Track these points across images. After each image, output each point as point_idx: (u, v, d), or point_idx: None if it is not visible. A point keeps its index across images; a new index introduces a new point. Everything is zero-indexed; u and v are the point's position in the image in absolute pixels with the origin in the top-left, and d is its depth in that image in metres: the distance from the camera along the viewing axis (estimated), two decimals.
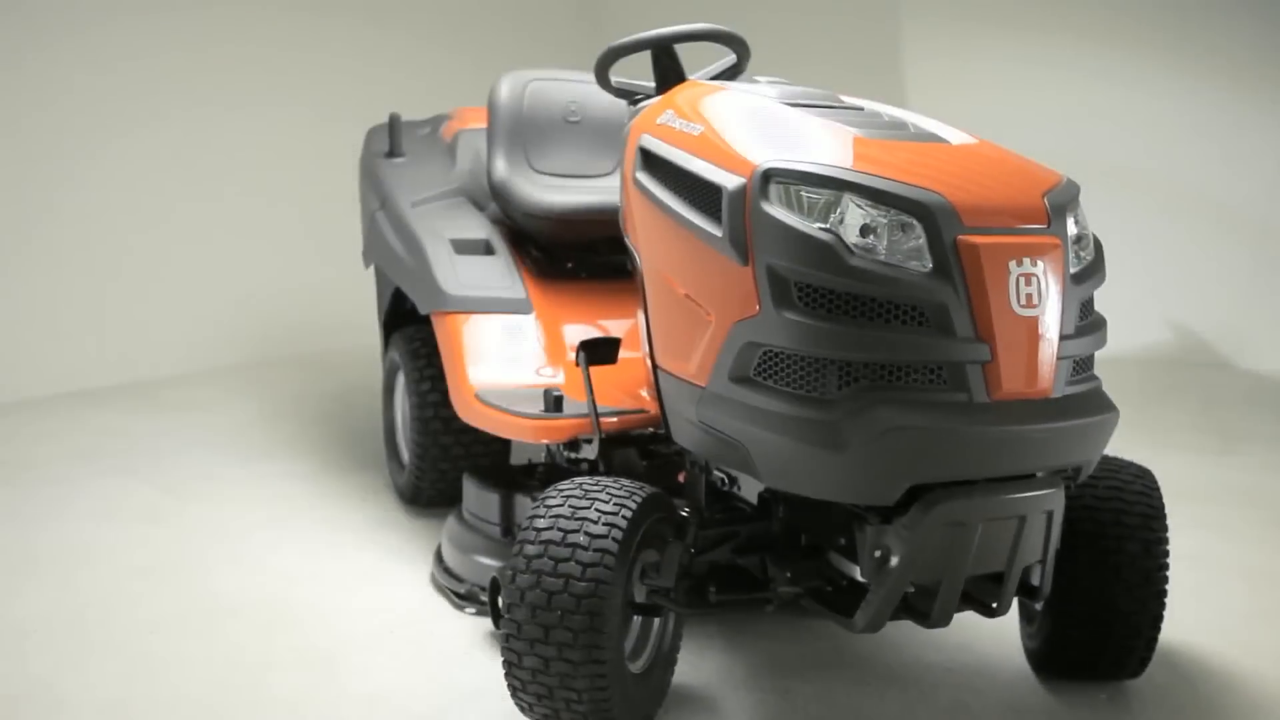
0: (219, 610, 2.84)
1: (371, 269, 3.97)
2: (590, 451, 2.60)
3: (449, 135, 3.85)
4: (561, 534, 2.06)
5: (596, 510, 2.09)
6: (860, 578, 2.09)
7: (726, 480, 2.44)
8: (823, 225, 1.94)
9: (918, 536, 1.93)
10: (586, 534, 2.05)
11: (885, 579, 1.98)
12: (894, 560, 1.97)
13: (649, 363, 2.42)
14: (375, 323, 4.08)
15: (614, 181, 3.50)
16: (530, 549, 2.07)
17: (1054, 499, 2.02)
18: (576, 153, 3.53)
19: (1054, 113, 6.58)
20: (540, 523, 2.10)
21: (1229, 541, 3.45)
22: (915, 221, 1.92)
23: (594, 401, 2.54)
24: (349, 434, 4.45)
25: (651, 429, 2.69)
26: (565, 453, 2.73)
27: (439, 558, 3.08)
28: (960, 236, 1.91)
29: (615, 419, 2.62)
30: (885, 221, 1.93)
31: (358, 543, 3.34)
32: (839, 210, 1.94)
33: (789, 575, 2.24)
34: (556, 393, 2.69)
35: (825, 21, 7.17)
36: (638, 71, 2.85)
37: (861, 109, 2.40)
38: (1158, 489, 2.42)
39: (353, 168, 4.08)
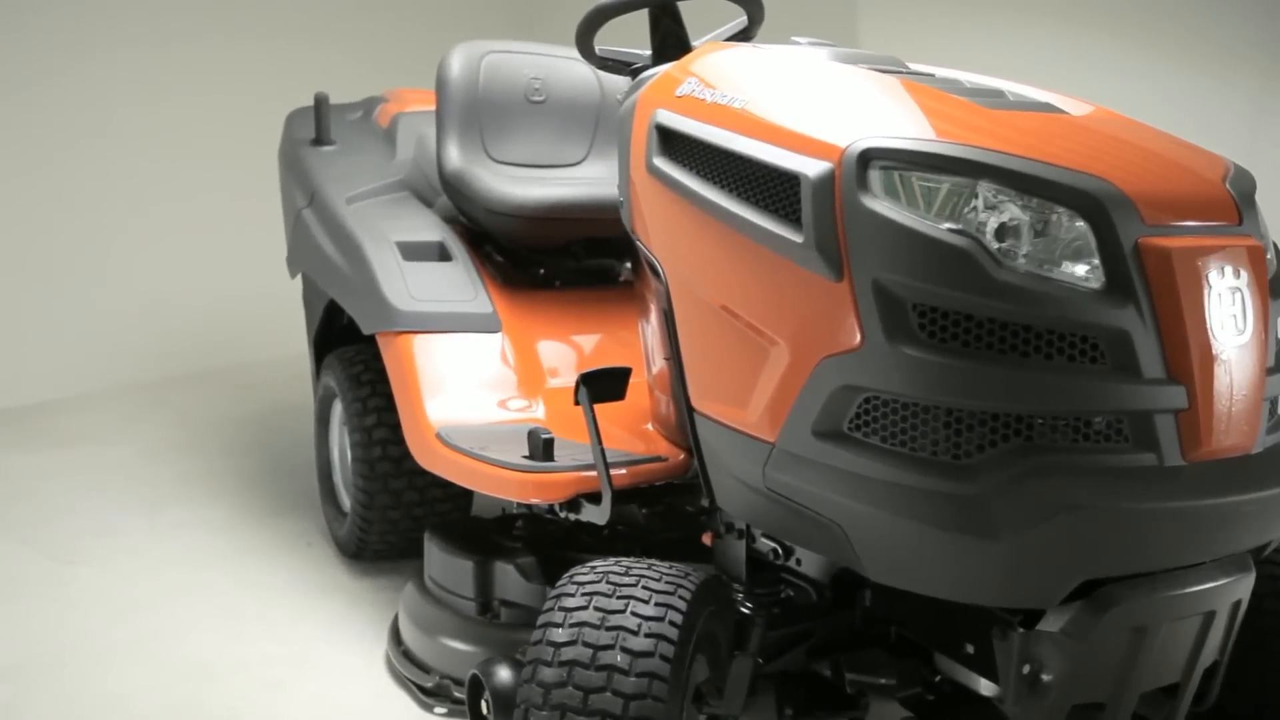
0: None
1: (299, 278, 3.36)
2: (599, 515, 2.03)
3: (385, 120, 3.36)
4: (590, 651, 1.51)
5: (634, 615, 1.54)
6: (997, 697, 1.57)
7: (780, 552, 1.90)
8: (954, 225, 1.42)
9: (1085, 646, 1.43)
10: (625, 650, 1.50)
11: (1037, 702, 1.47)
12: (1048, 677, 1.46)
13: (673, 397, 1.88)
14: (304, 336, 3.45)
15: (587, 172, 3.02)
16: (547, 674, 1.51)
17: (1243, 586, 1.54)
18: (542, 138, 3.04)
19: None
20: (559, 634, 1.54)
21: None
22: (1079, 219, 1.41)
23: (602, 451, 1.98)
24: (275, 468, 3.82)
25: (667, 480, 2.14)
26: (566, 514, 2.16)
27: (396, 637, 2.50)
28: (1143, 239, 1.41)
29: (625, 470, 2.07)
30: (1027, 219, 1.42)
31: (291, 615, 2.74)
32: (976, 204, 1.42)
33: (881, 681, 1.71)
34: (545, 434, 2.13)
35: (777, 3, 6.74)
36: (617, 40, 2.35)
37: (933, 75, 1.90)
38: None
39: (273, 156, 3.46)
